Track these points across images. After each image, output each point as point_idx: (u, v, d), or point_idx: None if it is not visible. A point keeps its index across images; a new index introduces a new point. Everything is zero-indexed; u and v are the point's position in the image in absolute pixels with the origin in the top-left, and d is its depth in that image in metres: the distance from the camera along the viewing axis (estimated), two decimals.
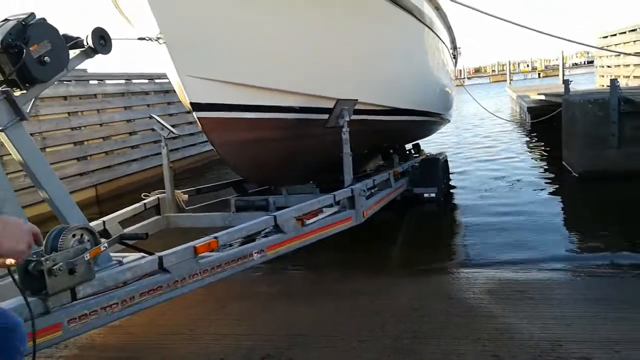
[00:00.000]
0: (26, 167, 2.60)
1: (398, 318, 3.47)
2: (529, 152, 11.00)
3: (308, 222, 3.93)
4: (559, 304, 3.59)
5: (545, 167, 9.13)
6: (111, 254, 2.89)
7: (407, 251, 5.32)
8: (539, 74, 57.83)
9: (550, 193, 7.28)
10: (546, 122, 11.78)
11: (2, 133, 2.51)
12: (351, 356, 3.02)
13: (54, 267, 2.27)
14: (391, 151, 7.25)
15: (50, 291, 2.28)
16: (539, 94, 14.19)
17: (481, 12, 6.20)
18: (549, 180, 8.04)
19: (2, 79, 2.52)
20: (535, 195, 7.09)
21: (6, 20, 2.57)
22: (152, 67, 10.50)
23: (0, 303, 2.36)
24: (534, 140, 12.45)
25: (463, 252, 5.13)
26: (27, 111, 2.61)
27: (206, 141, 12.49)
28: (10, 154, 2.61)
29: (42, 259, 2.26)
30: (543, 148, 11.12)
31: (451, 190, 7.65)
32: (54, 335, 2.36)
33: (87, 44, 2.79)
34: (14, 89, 2.58)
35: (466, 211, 6.62)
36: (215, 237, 3.14)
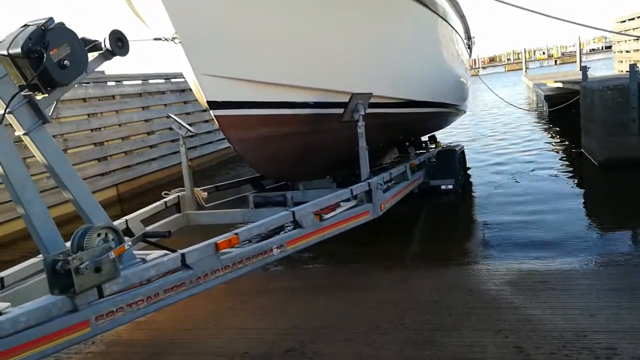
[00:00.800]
0: (50, 168, 2.65)
1: (418, 310, 3.48)
2: (548, 140, 10.83)
3: (326, 216, 3.94)
4: (582, 294, 3.55)
5: (565, 155, 9.00)
6: (134, 252, 2.95)
7: (425, 243, 5.31)
8: (555, 61, 56.76)
9: (570, 181, 7.17)
10: (564, 110, 11.58)
11: (26, 136, 2.57)
12: (372, 348, 3.04)
13: (80, 266, 2.33)
14: (407, 144, 7.22)
15: (77, 289, 2.33)
16: (556, 82, 13.93)
17: None
18: (569, 169, 7.92)
19: (24, 83, 2.58)
20: (555, 184, 7.00)
21: (26, 25, 2.62)
22: (168, 67, 10.63)
23: (28, 303, 2.45)
24: (551, 129, 12.26)
25: (482, 243, 5.10)
26: (50, 114, 2.67)
27: (222, 139, 12.66)
28: (33, 156, 2.68)
29: (69, 257, 2.32)
30: (561, 136, 10.95)
31: (469, 180, 7.60)
32: (82, 332, 2.42)
33: (105, 46, 2.82)
34: (36, 92, 2.64)
35: (484, 201, 6.56)
36: (236, 233, 3.17)
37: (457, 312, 3.40)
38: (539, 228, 5.22)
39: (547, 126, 12.91)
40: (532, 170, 7.97)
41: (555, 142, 10.50)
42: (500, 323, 3.17)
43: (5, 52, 2.48)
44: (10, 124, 2.51)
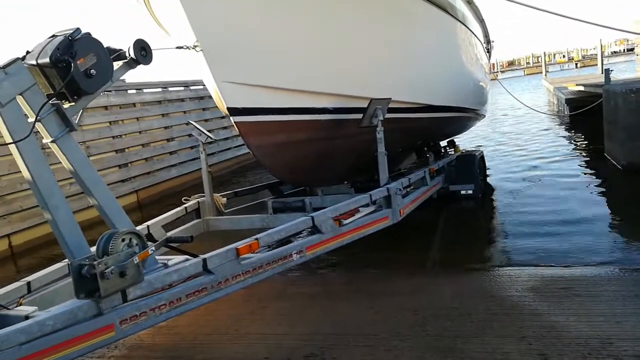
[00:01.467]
0: (76, 175, 2.71)
1: (438, 317, 3.44)
2: (569, 145, 10.66)
3: (345, 222, 3.94)
4: (607, 300, 3.48)
5: (587, 160, 8.84)
6: (156, 257, 2.99)
7: (445, 249, 5.27)
8: (576, 64, 55.93)
9: (594, 186, 7.04)
10: (585, 114, 11.39)
11: (54, 144, 2.64)
12: (392, 355, 3.02)
13: (106, 270, 2.37)
14: (426, 149, 7.18)
15: (103, 293, 2.38)
16: (577, 85, 13.75)
17: (514, 1, 6.05)
18: (592, 174, 7.79)
19: (52, 92, 2.65)
20: (578, 189, 6.88)
21: (54, 36, 2.69)
22: (187, 74, 10.80)
23: (54, 307, 2.50)
24: (573, 133, 12.07)
25: (503, 249, 5.04)
26: (76, 122, 2.73)
27: (240, 145, 12.76)
28: (57, 163, 2.74)
29: (95, 262, 2.37)
30: (584, 141, 10.77)
31: (489, 185, 7.52)
32: (107, 336, 2.46)
33: (129, 55, 2.88)
34: (63, 101, 2.71)
35: (505, 206, 6.48)
36: (256, 239, 3.19)
37: (479, 318, 3.36)
38: (561, 234, 5.14)
39: (568, 130, 12.71)
40: (553, 175, 7.85)
41: (577, 146, 10.33)
42: (524, 330, 3.12)
43: (34, 62, 2.55)
44: (37, 131, 2.57)
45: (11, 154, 2.57)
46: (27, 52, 2.65)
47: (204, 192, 5.02)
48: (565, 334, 3.02)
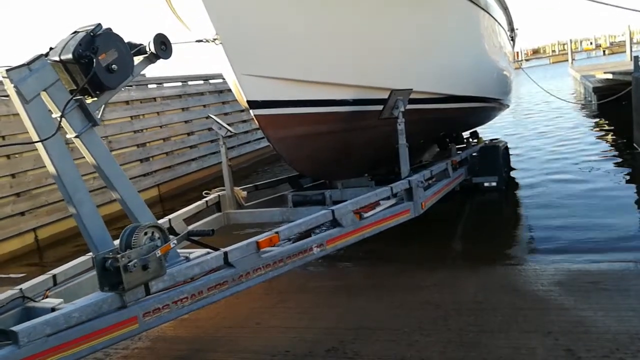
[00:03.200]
0: (99, 169, 2.74)
1: (461, 311, 3.39)
2: (597, 134, 10.38)
3: (366, 215, 3.91)
4: (636, 295, 3.38)
5: (616, 150, 8.60)
6: (178, 250, 3.02)
7: (468, 243, 5.19)
8: (603, 51, 54.41)
9: (622, 177, 6.85)
10: (613, 103, 11.07)
11: (77, 139, 2.67)
12: (415, 350, 2.98)
13: (129, 264, 2.40)
14: (448, 140, 7.08)
15: (126, 286, 2.41)
16: (605, 73, 13.36)
17: None
18: (620, 164, 7.56)
19: (74, 87, 2.68)
20: (605, 180, 6.70)
21: (76, 32, 2.72)
22: (207, 68, 10.85)
23: (79, 299, 2.54)
24: (601, 122, 11.76)
25: (528, 242, 4.95)
26: (99, 117, 2.76)
27: (259, 138, 12.79)
28: (80, 158, 2.78)
29: (118, 255, 2.39)
30: (612, 130, 10.48)
31: (515, 175, 7.38)
32: (130, 328, 2.50)
33: (150, 50, 2.90)
34: (85, 96, 2.73)
35: (531, 198, 6.35)
36: (277, 232, 3.19)
37: (503, 313, 3.30)
38: (588, 226, 5.01)
39: (595, 119, 12.39)
40: (581, 164, 7.65)
41: (605, 136, 10.06)
42: (549, 325, 3.05)
43: (57, 58, 2.58)
44: (61, 127, 2.60)
45: (36, 150, 2.62)
46: (50, 49, 2.68)
47: (224, 186, 5.04)
48: (593, 329, 2.95)
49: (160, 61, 3.01)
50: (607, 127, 11.02)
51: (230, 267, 2.92)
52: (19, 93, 2.45)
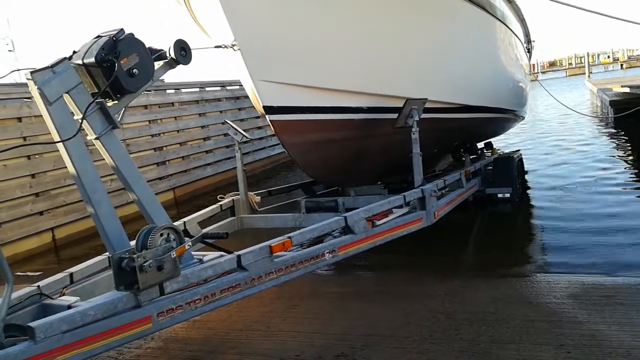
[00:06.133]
0: (117, 171, 2.81)
1: (473, 322, 3.37)
2: (613, 148, 10.26)
3: (378, 222, 3.92)
4: None
5: (632, 164, 8.48)
6: (192, 253, 3.06)
7: (480, 253, 5.16)
8: (621, 65, 53.80)
9: (638, 192, 6.75)
10: (631, 117, 10.94)
11: (97, 140, 2.74)
12: (425, 358, 2.98)
13: (144, 264, 2.44)
14: (462, 150, 7.06)
15: (141, 286, 2.45)
16: (622, 86, 13.21)
17: (557, 1, 5.88)
18: (637, 179, 7.46)
19: (96, 90, 2.75)
20: (621, 196, 6.61)
21: (99, 37, 2.80)
22: (224, 75, 10.97)
23: (95, 297, 2.59)
24: (617, 136, 11.60)
25: (541, 254, 4.90)
26: (119, 120, 2.83)
27: (274, 145, 12.88)
28: (99, 160, 2.84)
29: (134, 256, 2.44)
30: (629, 144, 10.34)
31: (529, 189, 7.32)
32: (144, 328, 2.54)
33: (170, 55, 2.96)
34: (106, 99, 2.80)
35: (545, 211, 6.30)
36: (290, 237, 3.22)
37: (515, 324, 3.27)
38: (603, 239, 4.95)
39: (612, 132, 12.24)
40: (602, 179, 7.55)
41: (621, 150, 9.93)
42: (562, 338, 3.02)
43: (80, 62, 2.66)
44: (82, 128, 2.67)
45: (56, 151, 2.69)
46: (74, 52, 2.76)
47: (238, 191, 5.09)
48: (606, 343, 2.91)
49: (180, 67, 3.08)
50: (623, 140, 10.87)
51: (243, 270, 2.95)
52: (42, 95, 2.52)
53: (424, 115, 4.59)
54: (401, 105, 4.48)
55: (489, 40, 6.54)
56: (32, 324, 2.22)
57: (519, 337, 3.09)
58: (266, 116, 4.03)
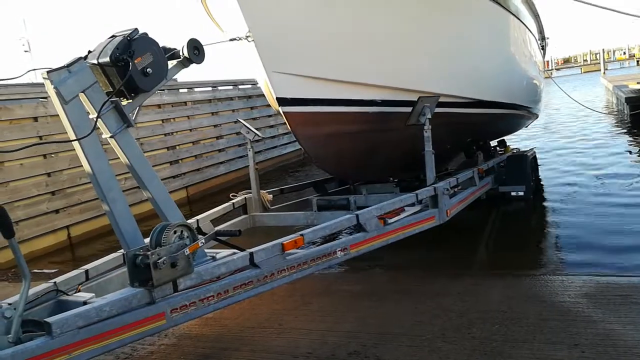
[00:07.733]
0: (132, 169, 2.84)
1: (486, 320, 3.35)
2: (628, 146, 10.10)
3: (390, 220, 3.92)
4: None
5: None
6: (205, 250, 3.08)
7: (493, 252, 5.12)
8: (637, 61, 52.81)
9: None
10: None
11: (112, 139, 2.78)
12: (437, 356, 2.97)
13: (158, 261, 2.47)
14: (475, 148, 7.01)
15: (155, 283, 2.48)
16: (638, 83, 13.00)
17: None
18: None
19: (111, 89, 2.79)
20: (635, 193, 6.51)
21: (113, 36, 2.83)
22: (236, 74, 11.03)
23: (110, 294, 2.63)
24: (633, 133, 11.42)
25: (556, 253, 4.84)
26: (133, 118, 2.86)
27: (286, 143, 12.89)
28: (114, 158, 2.87)
29: (149, 253, 2.47)
30: None
31: (541, 186, 7.25)
32: (158, 324, 2.57)
33: (183, 54, 2.99)
34: (121, 98, 2.84)
35: (558, 210, 6.23)
36: (302, 235, 3.23)
37: (529, 323, 3.24)
38: (619, 238, 4.88)
39: (626, 130, 12.05)
40: (615, 177, 7.45)
41: (636, 147, 9.77)
42: (576, 337, 2.99)
43: (95, 61, 2.69)
44: (97, 127, 2.71)
45: (72, 150, 2.73)
46: (89, 52, 2.80)
47: (250, 189, 5.12)
48: (621, 342, 2.87)
49: (193, 66, 3.10)
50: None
51: (256, 268, 2.97)
52: (58, 94, 2.56)
53: (437, 110, 4.57)
54: (415, 99, 4.46)
55: (503, 34, 6.48)
56: (48, 320, 2.26)
57: (533, 336, 3.06)
58: (279, 108, 4.04)
